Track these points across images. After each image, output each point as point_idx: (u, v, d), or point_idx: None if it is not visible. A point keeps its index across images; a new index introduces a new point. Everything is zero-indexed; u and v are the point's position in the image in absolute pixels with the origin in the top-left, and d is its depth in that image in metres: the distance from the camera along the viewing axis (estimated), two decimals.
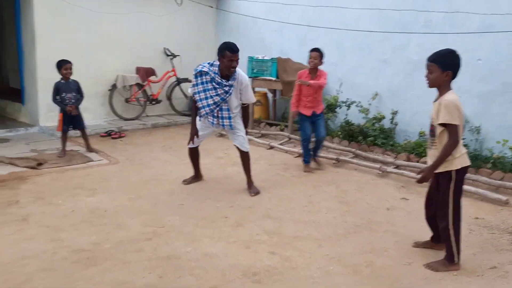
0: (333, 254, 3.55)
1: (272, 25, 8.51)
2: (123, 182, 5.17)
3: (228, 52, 4.48)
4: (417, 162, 6.00)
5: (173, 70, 8.78)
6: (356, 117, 7.15)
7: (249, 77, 8.04)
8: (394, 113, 6.78)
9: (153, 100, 8.62)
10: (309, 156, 5.88)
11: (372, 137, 6.64)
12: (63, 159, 5.93)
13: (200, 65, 4.76)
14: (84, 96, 6.35)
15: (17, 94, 8.42)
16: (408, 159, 6.15)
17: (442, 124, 3.11)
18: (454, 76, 3.16)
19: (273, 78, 7.72)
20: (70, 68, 6.09)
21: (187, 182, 5.16)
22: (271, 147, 6.87)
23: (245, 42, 9.09)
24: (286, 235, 3.88)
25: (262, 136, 7.59)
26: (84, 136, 6.41)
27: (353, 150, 6.45)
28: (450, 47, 3.21)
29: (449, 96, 3.12)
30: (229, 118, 4.73)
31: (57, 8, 7.49)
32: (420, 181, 3.31)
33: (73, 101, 6.13)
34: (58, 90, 6.09)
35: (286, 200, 4.73)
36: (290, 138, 7.27)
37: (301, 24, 7.99)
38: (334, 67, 7.64)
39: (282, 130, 7.74)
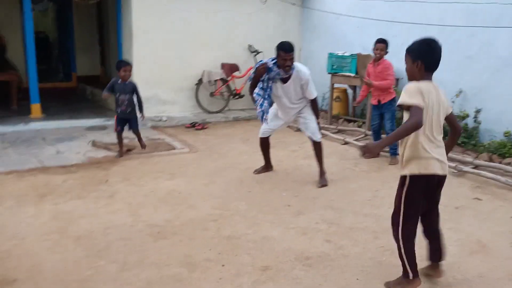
0: (388, 246, 3.59)
1: (354, 21, 8.49)
2: (200, 168, 5.58)
3: (281, 52, 4.71)
4: (500, 163, 5.70)
5: None
6: None
7: (329, 73, 8.15)
8: (478, 111, 6.48)
9: (236, 94, 9.03)
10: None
11: None
12: (150, 147, 6.49)
13: (262, 61, 5.03)
14: (142, 100, 6.02)
15: None
16: (490, 160, 5.87)
17: (405, 109, 2.68)
18: (427, 67, 2.76)
19: (353, 74, 7.72)
20: (130, 70, 5.80)
21: (257, 171, 5.43)
22: (346, 143, 6.91)
23: (328, 39, 9.18)
24: (344, 225, 3.98)
25: (339, 131, 7.64)
26: (137, 134, 6.10)
27: None
28: None
29: (417, 82, 2.72)
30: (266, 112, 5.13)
31: (153, 8, 8.16)
32: (362, 152, 2.70)
33: (126, 102, 5.82)
34: (112, 88, 5.82)
35: (351, 193, 4.81)
36: (366, 135, 7.24)
37: (383, 20, 7.89)
38: None
39: (360, 126, 7.73)
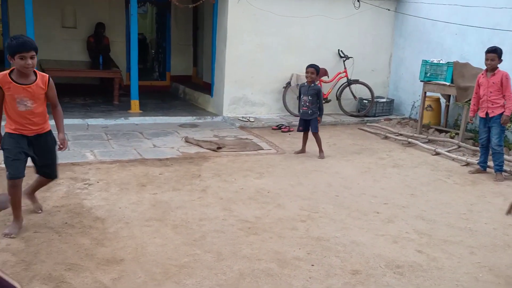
0: (485, 263, 3.44)
1: (452, 28, 8.15)
2: (287, 169, 5.68)
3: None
4: None
5: (345, 71, 9.06)
6: None
7: (421, 81, 7.89)
8: None
9: (323, 99, 9.02)
10: (484, 162, 5.76)
11: None
12: (239, 146, 6.71)
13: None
14: (323, 108, 6.46)
15: (207, 88, 9.70)
16: None
17: None
18: None
19: (447, 83, 7.42)
20: (309, 72, 6.21)
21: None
22: (437, 153, 6.66)
23: (423, 45, 8.89)
24: (437, 237, 3.87)
25: (429, 141, 7.37)
26: (317, 139, 6.31)
27: None
28: None
29: None
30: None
31: (248, 13, 8.40)
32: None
33: (307, 104, 6.24)
34: (299, 92, 6.49)
35: (443, 205, 4.65)
36: (459, 146, 6.92)
37: (485, 27, 7.50)
38: None
39: (452, 137, 7.40)
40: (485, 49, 5.68)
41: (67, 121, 7.69)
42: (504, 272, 3.28)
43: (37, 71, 3.56)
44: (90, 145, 6.27)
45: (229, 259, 3.36)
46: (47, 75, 3.62)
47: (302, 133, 6.49)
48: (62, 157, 5.67)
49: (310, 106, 6.29)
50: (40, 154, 3.70)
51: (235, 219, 4.09)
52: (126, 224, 3.88)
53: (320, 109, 6.37)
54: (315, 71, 6.28)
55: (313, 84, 6.31)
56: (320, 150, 6.32)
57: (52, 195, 4.43)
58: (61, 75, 8.64)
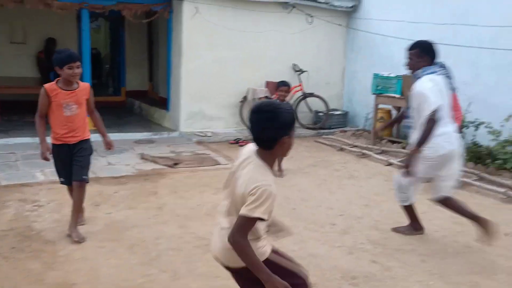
0: (436, 270, 3.56)
1: (401, 43, 8.46)
2: None
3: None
4: None
5: (300, 85, 9.22)
6: (484, 139, 6.78)
7: (373, 94, 8.14)
8: None
9: None
10: None
11: (501, 161, 6.25)
12: (196, 161, 6.66)
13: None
14: None
15: (164, 103, 9.61)
16: None
17: None
18: None
19: (397, 96, 7.69)
20: (283, 91, 6.15)
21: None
22: (390, 164, 6.86)
23: (374, 59, 9.18)
24: (391, 247, 3.97)
25: (383, 152, 7.60)
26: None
27: (477, 172, 6.15)
28: None
29: None
30: None
31: (203, 28, 8.41)
32: None
33: None
34: None
35: (396, 214, 4.77)
36: None
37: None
38: (465, 86, 7.34)
39: (404, 148, 7.64)
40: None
41: (16, 140, 7.48)
42: (453, 279, 3.40)
43: (78, 81, 3.99)
44: (40, 165, 6.00)
45: (185, 278, 3.32)
46: (88, 84, 4.14)
47: None
48: (10, 178, 5.47)
49: None
50: (77, 155, 4.04)
51: (192, 236, 4.05)
52: (79, 245, 3.76)
53: None
54: (289, 89, 6.20)
55: (284, 103, 6.17)
56: (279, 169, 6.08)
57: (0, 218, 4.24)
58: (9, 92, 8.35)
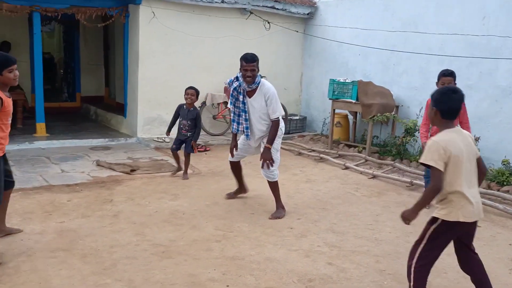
0: (390, 270, 3.65)
1: (356, 49, 8.70)
2: (203, 189, 5.65)
3: (243, 62, 4.70)
4: (498, 190, 5.79)
5: None
6: None
7: (330, 99, 8.30)
8: (477, 139, 6.60)
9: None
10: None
11: None
12: (154, 167, 6.58)
13: (230, 80, 4.91)
14: (200, 132, 6.34)
15: (120, 109, 9.43)
16: (488, 187, 5.96)
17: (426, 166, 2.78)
18: (443, 115, 2.83)
19: (353, 101, 7.87)
20: (189, 94, 6.06)
21: (229, 196, 5.33)
22: (346, 168, 7.00)
23: (330, 65, 9.38)
24: (346, 248, 4.05)
25: (340, 156, 7.74)
26: (187, 160, 6.22)
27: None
28: None
29: (437, 136, 2.82)
30: (247, 128, 4.85)
31: (160, 33, 8.32)
32: (403, 220, 2.90)
33: (187, 128, 6.09)
34: (177, 112, 6.19)
35: (352, 217, 4.88)
36: (366, 160, 7.34)
37: (384, 49, 8.10)
38: (416, 92, 7.68)
39: (360, 152, 7.83)
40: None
41: None
42: (406, 279, 3.49)
43: None
44: None
45: (141, 286, 3.26)
46: None
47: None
48: None
49: (190, 130, 6.12)
50: None
51: (148, 244, 3.98)
52: (28, 257, 3.62)
53: (198, 133, 6.19)
54: (195, 93, 6.12)
55: (192, 108, 6.12)
56: (185, 172, 6.18)
57: None
58: None
